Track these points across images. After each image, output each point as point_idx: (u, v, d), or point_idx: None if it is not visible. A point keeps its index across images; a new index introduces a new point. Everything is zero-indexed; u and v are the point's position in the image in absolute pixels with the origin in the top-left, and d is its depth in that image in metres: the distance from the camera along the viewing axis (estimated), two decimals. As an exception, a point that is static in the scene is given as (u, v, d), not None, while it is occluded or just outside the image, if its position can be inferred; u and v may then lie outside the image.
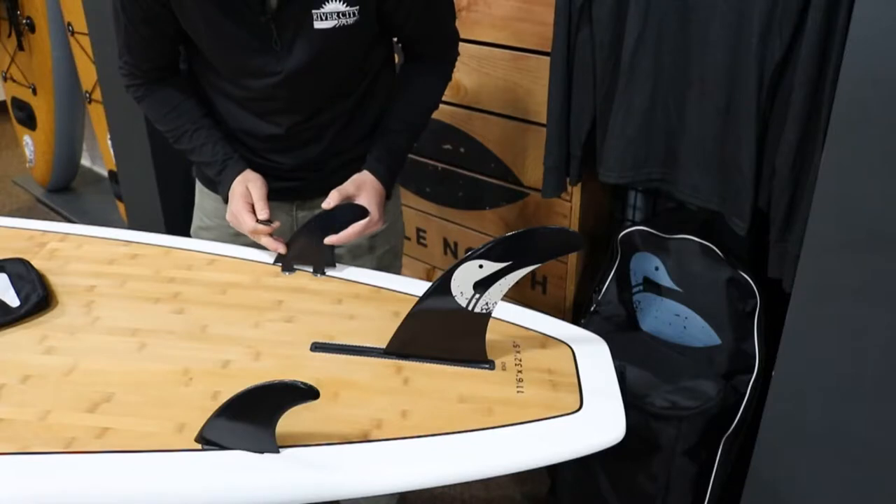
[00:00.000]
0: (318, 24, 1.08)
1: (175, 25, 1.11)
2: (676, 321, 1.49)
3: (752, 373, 1.39)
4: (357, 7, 1.09)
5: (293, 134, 1.20)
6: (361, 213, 1.13)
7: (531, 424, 0.84)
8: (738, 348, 1.41)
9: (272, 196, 1.20)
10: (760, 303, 1.38)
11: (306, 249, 1.13)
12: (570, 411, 0.86)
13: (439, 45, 1.27)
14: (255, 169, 1.21)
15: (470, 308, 0.91)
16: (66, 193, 3.48)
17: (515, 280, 0.89)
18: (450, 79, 1.30)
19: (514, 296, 1.78)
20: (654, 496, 1.44)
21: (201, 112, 1.21)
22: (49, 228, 1.26)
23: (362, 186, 1.17)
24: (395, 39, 1.26)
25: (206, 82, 1.20)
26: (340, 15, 1.08)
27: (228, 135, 1.22)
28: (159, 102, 1.22)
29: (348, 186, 1.15)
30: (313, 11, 1.07)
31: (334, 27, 1.09)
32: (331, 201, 1.12)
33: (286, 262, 1.14)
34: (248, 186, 1.16)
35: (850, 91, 0.95)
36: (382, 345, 0.95)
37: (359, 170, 1.21)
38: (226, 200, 1.19)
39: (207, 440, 0.78)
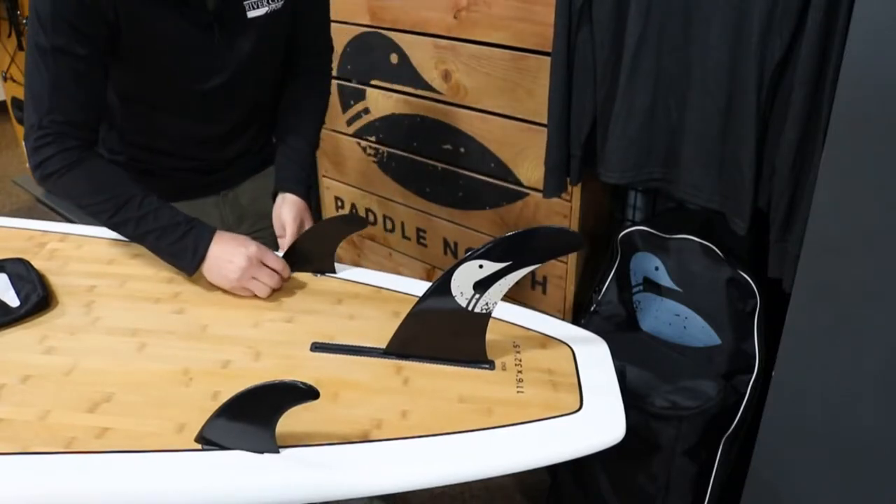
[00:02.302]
0: (251, 14, 1.12)
1: (109, 54, 1.05)
2: (676, 321, 1.49)
3: (752, 373, 1.39)
4: None
5: (233, 130, 1.25)
6: (357, 221, 1.18)
7: (531, 424, 0.84)
8: (738, 348, 1.40)
9: (201, 192, 1.25)
10: (760, 303, 1.38)
11: (307, 257, 1.14)
12: (570, 411, 0.86)
13: (320, 49, 1.34)
14: (186, 170, 1.25)
15: (470, 308, 0.91)
16: (66, 193, 3.48)
17: (515, 280, 0.89)
18: (329, 93, 1.38)
19: (514, 296, 1.78)
20: (654, 496, 1.44)
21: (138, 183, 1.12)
22: (49, 228, 1.26)
23: (304, 216, 1.22)
24: None
25: (141, 105, 1.17)
26: (269, 0, 1.14)
27: (158, 151, 1.22)
28: (97, 170, 1.09)
29: (294, 225, 1.19)
30: (244, 2, 1.11)
31: (266, 13, 1.14)
32: (286, 246, 1.17)
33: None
34: (259, 253, 1.08)
35: (850, 91, 0.95)
36: (382, 345, 0.95)
37: (271, 148, 1.31)
38: (196, 264, 1.07)
39: (207, 440, 0.78)
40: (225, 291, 1.08)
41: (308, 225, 1.21)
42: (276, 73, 1.26)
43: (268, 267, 1.07)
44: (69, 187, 1.08)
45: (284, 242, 1.18)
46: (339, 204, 2.18)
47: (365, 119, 1.97)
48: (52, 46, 1.00)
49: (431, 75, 1.76)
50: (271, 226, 1.23)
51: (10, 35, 3.14)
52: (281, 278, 1.09)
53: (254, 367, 0.92)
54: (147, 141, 1.22)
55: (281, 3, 1.15)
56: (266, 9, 1.14)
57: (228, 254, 1.06)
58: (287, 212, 1.20)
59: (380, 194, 2.05)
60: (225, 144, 1.27)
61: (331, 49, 1.37)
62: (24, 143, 1.06)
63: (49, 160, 1.05)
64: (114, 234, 1.24)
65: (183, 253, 1.07)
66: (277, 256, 1.10)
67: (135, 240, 1.11)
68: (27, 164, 3.62)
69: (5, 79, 3.35)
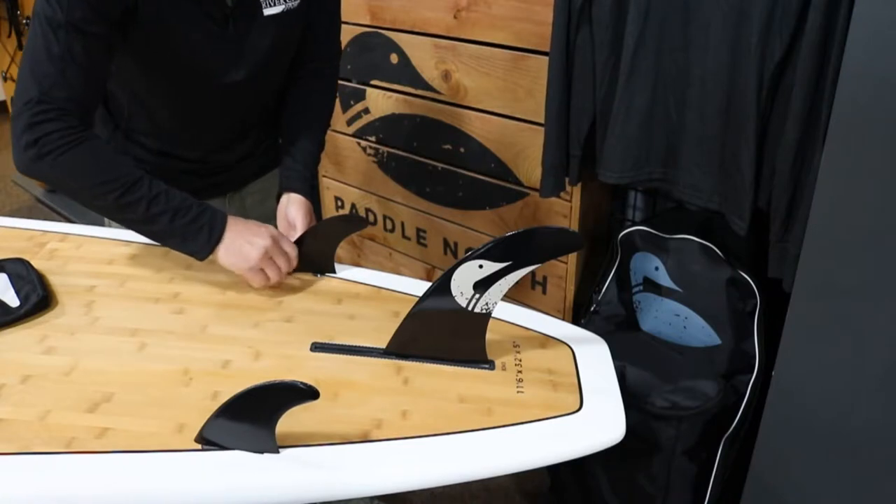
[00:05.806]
0: (267, 11, 1.13)
1: (121, 40, 1.03)
2: (676, 321, 1.49)
3: (752, 373, 1.39)
4: None
5: (239, 131, 1.25)
6: (357, 221, 1.19)
7: (531, 424, 0.84)
8: (738, 348, 1.40)
9: (206, 194, 1.24)
10: (760, 303, 1.38)
11: (307, 257, 1.14)
12: (570, 411, 0.86)
13: (329, 52, 1.34)
14: (191, 172, 1.24)
15: (470, 308, 0.91)
16: (66, 193, 3.47)
17: (515, 280, 0.89)
18: (336, 95, 1.38)
19: (514, 296, 1.78)
20: (654, 496, 1.44)
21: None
22: (49, 228, 1.26)
23: (308, 214, 1.22)
24: None
25: (150, 103, 1.17)
26: None
27: (164, 152, 1.22)
28: (102, 150, 1.04)
29: (306, 222, 1.19)
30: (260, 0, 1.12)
31: (283, 11, 1.14)
32: (295, 236, 1.16)
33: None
34: (279, 235, 1.11)
35: (850, 91, 0.95)
36: (382, 345, 0.95)
37: (276, 150, 1.31)
38: (212, 245, 1.05)
39: (207, 440, 0.78)
40: (224, 292, 1.08)
41: (310, 223, 1.22)
42: (284, 71, 1.26)
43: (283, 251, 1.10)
44: (70, 166, 1.00)
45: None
46: (339, 204, 2.18)
47: (365, 119, 1.97)
48: (66, 22, 0.96)
49: (431, 75, 1.76)
50: (275, 227, 1.23)
51: (10, 35, 3.14)
52: (292, 265, 1.11)
53: (254, 367, 0.92)
54: (154, 142, 1.22)
55: (297, 1, 1.15)
56: (282, 7, 1.14)
57: (250, 234, 1.06)
58: (296, 210, 1.20)
59: (380, 194, 2.05)
60: (230, 145, 1.27)
61: (339, 53, 1.37)
62: (12, 123, 1.01)
63: (49, 136, 0.98)
64: (113, 235, 1.24)
65: (198, 234, 1.04)
66: (291, 242, 1.12)
67: (143, 223, 1.05)
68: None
69: (5, 79, 3.35)
